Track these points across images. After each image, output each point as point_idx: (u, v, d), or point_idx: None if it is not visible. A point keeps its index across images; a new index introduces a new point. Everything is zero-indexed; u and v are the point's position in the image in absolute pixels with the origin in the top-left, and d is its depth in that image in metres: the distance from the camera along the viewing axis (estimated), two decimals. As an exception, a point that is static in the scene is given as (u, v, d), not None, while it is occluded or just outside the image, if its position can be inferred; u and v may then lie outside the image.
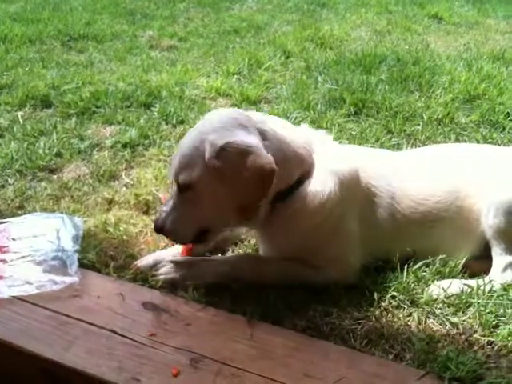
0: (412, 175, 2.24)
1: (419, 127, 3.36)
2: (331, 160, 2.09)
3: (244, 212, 1.91)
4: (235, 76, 4.20)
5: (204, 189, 1.89)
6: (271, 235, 2.09)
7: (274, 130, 1.96)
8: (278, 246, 2.08)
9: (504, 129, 3.40)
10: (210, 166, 1.84)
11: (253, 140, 1.86)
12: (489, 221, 2.14)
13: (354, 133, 3.30)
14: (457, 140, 3.24)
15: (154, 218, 2.30)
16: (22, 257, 2.09)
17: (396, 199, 2.14)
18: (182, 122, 3.42)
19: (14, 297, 1.92)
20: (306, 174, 2.02)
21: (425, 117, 3.48)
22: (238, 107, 3.63)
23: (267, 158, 1.84)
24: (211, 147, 1.85)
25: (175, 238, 2.04)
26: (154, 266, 2.09)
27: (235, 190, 1.85)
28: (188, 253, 2.16)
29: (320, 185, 2.01)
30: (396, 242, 2.14)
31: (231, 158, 1.82)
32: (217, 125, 1.92)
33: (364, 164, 2.16)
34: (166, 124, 3.41)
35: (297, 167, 2.00)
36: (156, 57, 4.75)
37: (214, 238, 2.09)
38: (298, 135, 2.07)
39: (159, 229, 1.98)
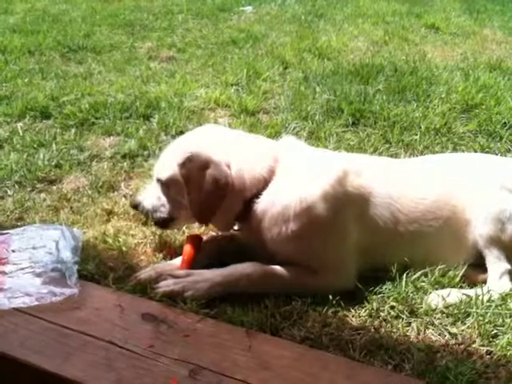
0: (409, 177, 2.28)
1: (417, 137, 3.39)
2: (316, 165, 2.18)
3: (200, 216, 2.19)
4: (234, 87, 4.23)
5: (171, 187, 2.22)
6: (257, 241, 2.14)
7: (237, 149, 2.18)
8: (267, 251, 2.13)
9: (501, 138, 3.42)
10: (178, 171, 2.15)
11: (216, 155, 2.11)
12: (479, 229, 2.16)
13: (352, 143, 3.32)
14: (454, 150, 3.26)
15: (153, 229, 2.44)
16: (22, 268, 2.08)
17: (395, 198, 2.17)
18: (181, 133, 3.38)
19: (13, 308, 1.92)
20: (261, 189, 2.13)
21: (422, 127, 3.51)
22: (237, 118, 3.66)
23: (224, 173, 2.08)
24: (181, 156, 2.14)
25: (145, 215, 2.36)
26: (154, 278, 2.09)
27: (194, 195, 2.13)
28: (187, 265, 2.16)
29: (297, 189, 2.08)
30: (395, 244, 2.17)
31: (193, 167, 2.12)
32: (197, 139, 2.24)
33: (356, 166, 2.20)
34: (166, 135, 3.43)
35: (252, 186, 2.13)
36: (155, 68, 4.77)
37: (175, 227, 2.41)
38: (263, 150, 2.20)
39: (135, 206, 2.36)
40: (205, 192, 2.09)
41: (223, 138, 2.25)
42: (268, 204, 2.10)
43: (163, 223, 2.33)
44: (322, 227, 2.07)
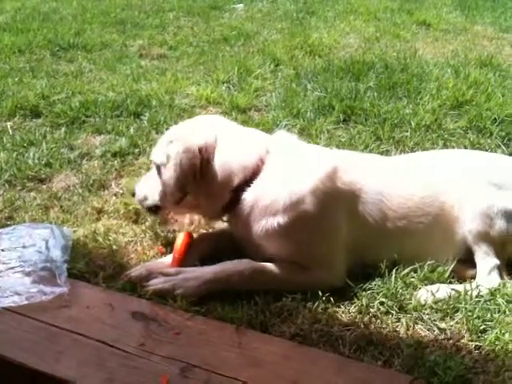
0: (398, 173, 2.30)
1: (407, 134, 3.39)
2: (307, 160, 2.19)
3: (170, 194, 2.20)
4: (225, 84, 4.22)
5: (162, 169, 2.24)
6: (245, 234, 2.15)
7: (227, 137, 2.21)
8: (255, 245, 2.13)
9: (491, 134, 3.42)
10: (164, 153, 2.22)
11: (193, 139, 2.15)
12: (467, 225, 2.17)
13: (343, 140, 3.32)
14: (445, 146, 3.26)
15: (143, 227, 2.48)
16: (11, 268, 2.09)
17: (384, 195, 2.17)
18: (171, 131, 3.43)
19: (3, 308, 1.92)
20: (249, 179, 2.14)
21: (413, 123, 3.51)
22: (228, 115, 3.65)
23: (191, 155, 2.12)
24: (168, 140, 2.24)
25: (136, 198, 2.40)
26: (145, 276, 2.09)
27: (170, 174, 2.16)
28: (178, 263, 2.17)
29: (286, 183, 2.09)
30: (385, 240, 2.18)
31: (172, 149, 2.17)
32: (188, 125, 2.32)
33: (346, 163, 2.21)
34: (156, 133, 3.41)
35: (238, 173, 2.14)
36: (146, 66, 4.76)
37: (163, 214, 2.41)
38: (253, 141, 2.23)
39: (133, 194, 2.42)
40: (175, 172, 2.14)
41: (215, 126, 2.27)
42: (257, 195, 2.11)
43: (155, 208, 2.35)
44: (310, 222, 2.08)
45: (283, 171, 2.14)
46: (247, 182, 2.13)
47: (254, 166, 2.14)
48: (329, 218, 2.11)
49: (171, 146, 2.19)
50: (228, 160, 2.15)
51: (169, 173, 2.18)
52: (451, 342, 1.87)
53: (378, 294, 2.05)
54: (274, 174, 2.13)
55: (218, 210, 2.21)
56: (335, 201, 2.12)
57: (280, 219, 2.06)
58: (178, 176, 2.15)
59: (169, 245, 2.35)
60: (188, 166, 2.12)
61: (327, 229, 2.11)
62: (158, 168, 2.28)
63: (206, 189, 2.16)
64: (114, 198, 2.73)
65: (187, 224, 2.51)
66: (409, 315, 1.98)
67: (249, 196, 2.12)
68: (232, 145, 2.18)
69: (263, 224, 2.08)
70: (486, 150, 3.15)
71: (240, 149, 2.18)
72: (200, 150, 2.13)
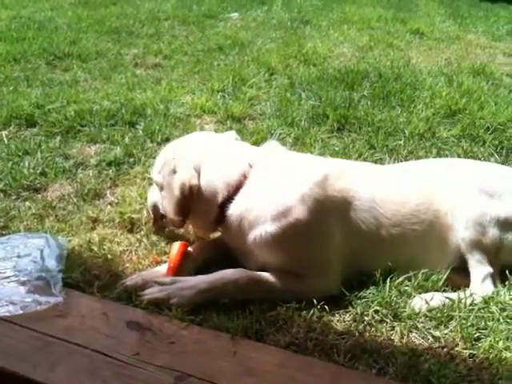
0: (391, 181, 2.31)
1: (401, 142, 3.41)
2: (295, 168, 2.21)
3: (174, 216, 2.23)
4: (220, 93, 4.24)
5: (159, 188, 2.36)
6: (237, 245, 2.19)
7: (212, 156, 2.25)
8: (248, 255, 2.15)
9: (484, 143, 3.46)
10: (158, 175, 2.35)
11: (186, 161, 2.22)
12: (460, 234, 2.19)
13: (337, 148, 3.34)
14: (438, 154, 3.29)
15: (138, 236, 2.51)
16: (6, 277, 2.07)
17: (377, 202, 2.18)
18: (167, 140, 3.42)
19: (-3, 317, 1.92)
20: (232, 195, 2.17)
21: (407, 132, 3.54)
22: (223, 124, 3.68)
23: (188, 177, 2.16)
24: (161, 162, 2.35)
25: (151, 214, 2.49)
26: (140, 285, 2.09)
27: (168, 198, 2.26)
28: (173, 272, 2.17)
29: (273, 193, 2.11)
30: (379, 248, 2.18)
31: (166, 172, 2.28)
32: (179, 145, 2.37)
33: (338, 170, 2.22)
34: (151, 142, 3.43)
35: (222, 191, 2.17)
36: (141, 75, 4.77)
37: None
38: (237, 156, 2.26)
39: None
40: (174, 195, 2.19)
41: (202, 144, 2.32)
42: (241, 208, 2.13)
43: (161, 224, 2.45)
44: (301, 230, 2.07)
45: (268, 183, 2.15)
46: (230, 197, 2.17)
47: (237, 181, 2.17)
48: (320, 226, 2.11)
49: (164, 170, 2.29)
50: (211, 179, 2.19)
51: (169, 196, 2.26)
52: (445, 350, 1.88)
53: (372, 302, 2.06)
54: (257, 186, 2.15)
55: (210, 224, 2.26)
56: (326, 208, 2.11)
57: (268, 228, 2.06)
58: (180, 199, 2.18)
59: (164, 254, 2.35)
60: (188, 188, 2.17)
61: (319, 236, 2.11)
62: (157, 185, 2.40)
63: (196, 207, 2.20)
64: (108, 207, 2.72)
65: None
66: (403, 323, 1.99)
67: (234, 209, 2.15)
68: (216, 163, 2.22)
69: (253, 234, 2.09)
70: (479, 159, 3.17)
71: (223, 166, 2.22)
72: (197, 170, 2.20)
